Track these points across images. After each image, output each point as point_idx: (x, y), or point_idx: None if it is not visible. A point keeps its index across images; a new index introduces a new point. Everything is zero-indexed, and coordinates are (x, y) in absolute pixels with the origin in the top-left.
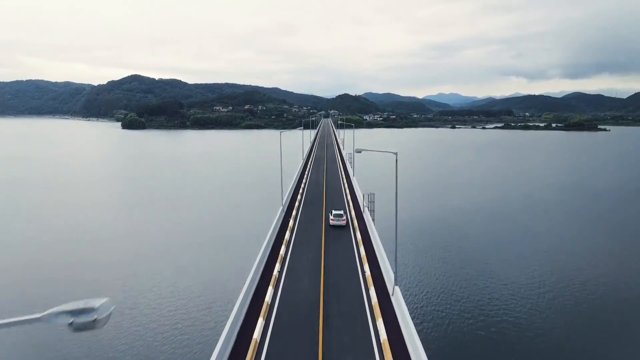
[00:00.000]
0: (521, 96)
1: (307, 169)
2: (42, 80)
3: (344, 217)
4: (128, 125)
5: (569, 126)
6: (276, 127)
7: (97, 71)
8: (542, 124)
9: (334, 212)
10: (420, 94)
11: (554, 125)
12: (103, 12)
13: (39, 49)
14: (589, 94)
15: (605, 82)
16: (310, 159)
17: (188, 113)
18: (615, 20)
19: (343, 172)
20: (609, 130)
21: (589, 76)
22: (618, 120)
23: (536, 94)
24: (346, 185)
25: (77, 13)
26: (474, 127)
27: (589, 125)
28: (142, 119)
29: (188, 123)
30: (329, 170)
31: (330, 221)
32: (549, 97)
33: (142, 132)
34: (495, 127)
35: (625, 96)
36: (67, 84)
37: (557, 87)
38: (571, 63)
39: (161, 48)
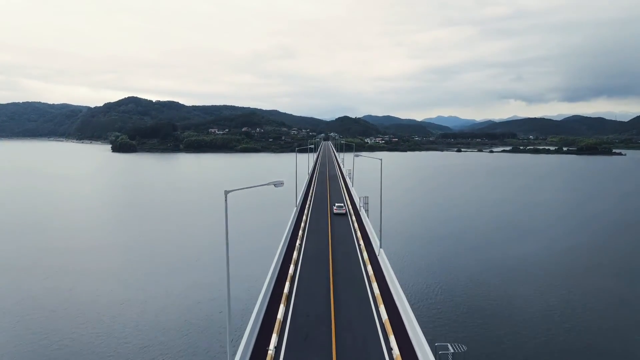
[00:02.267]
0: (520, 119)
1: (302, 225)
2: (39, 102)
3: None
4: (118, 148)
5: (580, 150)
6: (273, 151)
7: (96, 94)
8: (551, 148)
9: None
10: (419, 116)
11: (564, 149)
12: (104, 36)
13: (39, 72)
14: (590, 117)
15: (603, 105)
16: (307, 209)
17: (182, 135)
18: (613, 44)
19: (360, 233)
20: (625, 154)
21: (587, 99)
22: (628, 144)
23: (535, 116)
24: (367, 259)
25: (79, 38)
26: (480, 150)
27: (602, 149)
28: (133, 142)
29: (181, 146)
30: (335, 236)
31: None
32: (549, 119)
33: (130, 155)
34: (504, 151)
35: (624, 119)
36: (64, 106)
37: (556, 110)
38: (570, 86)
39: (161, 72)
